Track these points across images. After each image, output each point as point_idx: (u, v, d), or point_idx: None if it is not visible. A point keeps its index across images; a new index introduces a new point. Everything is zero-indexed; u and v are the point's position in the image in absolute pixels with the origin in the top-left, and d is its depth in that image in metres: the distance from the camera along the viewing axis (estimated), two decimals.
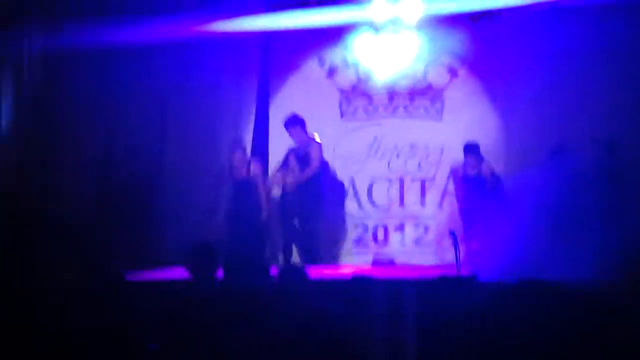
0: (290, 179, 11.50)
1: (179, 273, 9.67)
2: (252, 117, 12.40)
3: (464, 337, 4.17)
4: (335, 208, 12.04)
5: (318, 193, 11.54)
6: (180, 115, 12.45)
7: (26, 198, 11.94)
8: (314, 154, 11.49)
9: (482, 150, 11.39)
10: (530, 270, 9.64)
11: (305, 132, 11.57)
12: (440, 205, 11.80)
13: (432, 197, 12.03)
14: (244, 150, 11.65)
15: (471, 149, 11.32)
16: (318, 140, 11.58)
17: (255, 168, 11.55)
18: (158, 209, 12.21)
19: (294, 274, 5.43)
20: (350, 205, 12.19)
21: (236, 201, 11.58)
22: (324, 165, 11.65)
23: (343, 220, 12.13)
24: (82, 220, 11.70)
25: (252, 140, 12.29)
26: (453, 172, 11.62)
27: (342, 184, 12.14)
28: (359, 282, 5.17)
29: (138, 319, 4.54)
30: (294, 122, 11.56)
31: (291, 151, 11.61)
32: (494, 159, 11.64)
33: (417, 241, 12.00)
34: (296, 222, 11.60)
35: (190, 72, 12.34)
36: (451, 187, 11.56)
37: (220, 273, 5.43)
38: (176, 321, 4.54)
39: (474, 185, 11.37)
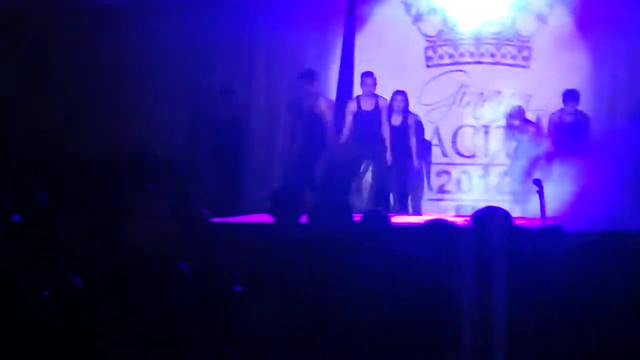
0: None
1: (263, 218, 9.79)
2: (338, 63, 12.36)
3: (548, 287, 4.14)
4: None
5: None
6: (267, 62, 12.49)
7: (122, 144, 12.18)
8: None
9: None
10: (619, 221, 9.52)
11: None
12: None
13: None
14: (312, 82, 11.54)
15: (571, 96, 11.19)
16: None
17: (323, 104, 11.51)
18: (245, 155, 12.33)
19: (377, 219, 5.44)
20: (434, 152, 12.10)
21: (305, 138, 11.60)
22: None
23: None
24: (172, 166, 11.90)
25: (338, 87, 12.27)
26: (548, 119, 11.47)
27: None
28: (441, 228, 5.15)
29: (223, 261, 4.61)
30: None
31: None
32: (583, 107, 11.50)
33: (502, 189, 11.88)
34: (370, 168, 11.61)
35: (277, 16, 12.34)
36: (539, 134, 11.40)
37: (304, 218, 5.46)
38: (259, 264, 4.60)
39: (568, 133, 11.23)
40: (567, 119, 11.27)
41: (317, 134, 11.54)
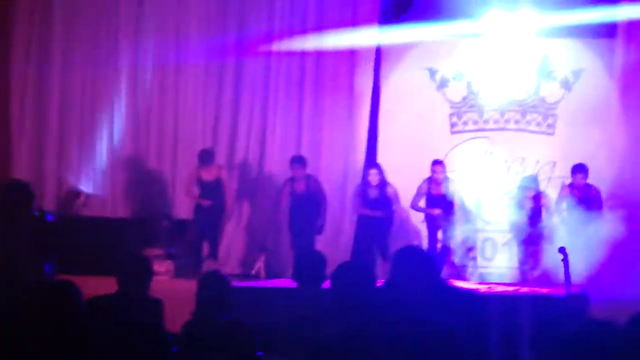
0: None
1: (286, 283, 9.76)
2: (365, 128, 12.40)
3: (573, 355, 4.07)
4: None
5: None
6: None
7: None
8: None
9: (592, 168, 11.19)
10: None
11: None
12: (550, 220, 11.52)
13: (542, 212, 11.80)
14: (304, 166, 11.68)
15: (578, 169, 11.13)
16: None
17: (314, 183, 11.69)
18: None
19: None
20: (459, 218, 11.99)
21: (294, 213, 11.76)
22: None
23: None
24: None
25: (366, 152, 12.33)
26: (561, 191, 11.44)
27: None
28: (466, 296, 5.10)
29: (245, 325, 4.57)
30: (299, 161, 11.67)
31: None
32: (605, 176, 11.44)
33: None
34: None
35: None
36: (561, 203, 11.32)
37: (327, 283, 5.42)
38: (282, 328, 4.58)
39: (580, 204, 11.18)
40: (577, 193, 11.22)
41: (313, 209, 11.64)
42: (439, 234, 11.49)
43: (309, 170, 11.77)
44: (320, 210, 11.69)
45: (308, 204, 11.64)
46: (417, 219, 11.92)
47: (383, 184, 11.52)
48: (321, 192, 11.74)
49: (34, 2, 12.75)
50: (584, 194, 11.18)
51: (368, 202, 11.54)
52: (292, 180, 11.70)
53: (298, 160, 11.71)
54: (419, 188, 11.54)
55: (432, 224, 11.53)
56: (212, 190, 11.78)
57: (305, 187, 11.65)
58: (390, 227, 11.65)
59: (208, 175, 11.81)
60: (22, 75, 12.70)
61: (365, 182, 11.62)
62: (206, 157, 11.84)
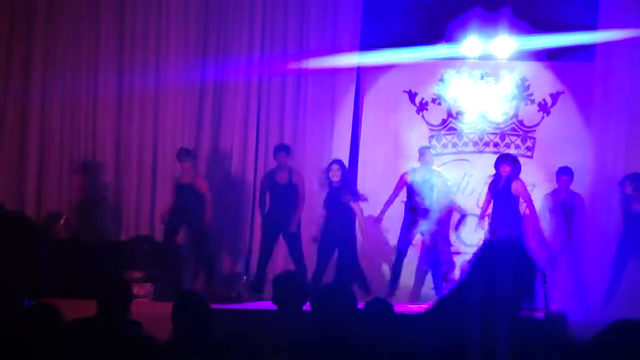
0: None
1: (266, 305, 9.74)
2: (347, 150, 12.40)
3: None
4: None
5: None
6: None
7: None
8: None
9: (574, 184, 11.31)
10: (623, 310, 9.46)
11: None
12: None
13: None
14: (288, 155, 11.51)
15: (563, 172, 11.24)
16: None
17: (297, 176, 11.48)
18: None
19: (381, 307, 5.41)
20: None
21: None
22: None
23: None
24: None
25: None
26: (544, 201, 11.49)
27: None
28: (444, 317, 5.10)
29: (223, 348, 4.58)
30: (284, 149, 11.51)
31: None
32: (586, 197, 11.53)
33: None
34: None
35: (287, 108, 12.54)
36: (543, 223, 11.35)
37: (307, 305, 5.43)
38: (261, 349, 4.58)
39: (564, 209, 11.25)
40: (560, 196, 11.30)
41: (291, 202, 11.44)
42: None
43: None
44: (298, 204, 11.41)
45: (288, 196, 11.41)
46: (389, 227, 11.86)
47: (345, 181, 11.34)
48: (302, 186, 11.48)
49: (13, 25, 12.73)
50: (568, 199, 11.26)
51: (328, 197, 11.34)
52: (273, 171, 11.57)
53: (282, 148, 11.54)
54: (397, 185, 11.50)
55: (406, 231, 11.49)
56: (185, 196, 11.40)
57: (287, 178, 11.46)
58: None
59: (183, 177, 11.48)
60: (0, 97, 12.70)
61: (327, 178, 11.34)
62: (181, 154, 11.50)
